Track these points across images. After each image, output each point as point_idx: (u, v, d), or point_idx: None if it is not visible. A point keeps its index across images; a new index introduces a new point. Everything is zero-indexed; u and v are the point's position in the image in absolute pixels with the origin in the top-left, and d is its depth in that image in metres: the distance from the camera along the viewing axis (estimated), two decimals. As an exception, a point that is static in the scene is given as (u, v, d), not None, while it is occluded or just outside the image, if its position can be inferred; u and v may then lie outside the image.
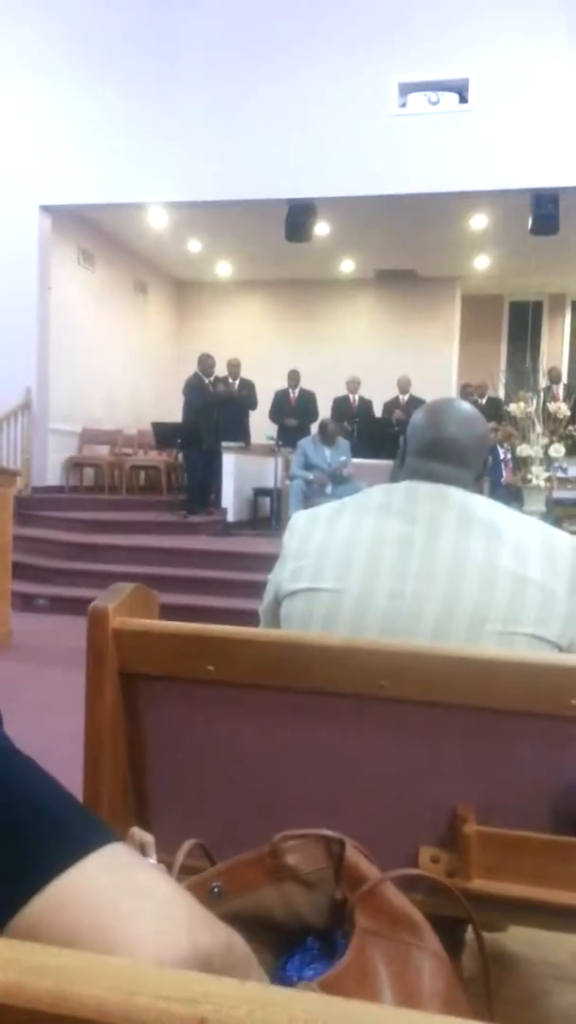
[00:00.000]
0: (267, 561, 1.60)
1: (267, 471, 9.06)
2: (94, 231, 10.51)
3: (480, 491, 1.39)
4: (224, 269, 12.37)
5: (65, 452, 10.11)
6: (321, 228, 9.52)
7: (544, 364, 10.29)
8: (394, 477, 1.44)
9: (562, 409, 6.16)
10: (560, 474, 6.38)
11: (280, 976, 0.75)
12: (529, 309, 12.31)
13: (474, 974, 1.05)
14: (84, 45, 8.71)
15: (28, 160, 8.92)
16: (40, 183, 8.91)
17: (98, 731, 1.14)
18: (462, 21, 7.96)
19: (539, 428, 6.10)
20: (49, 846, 0.48)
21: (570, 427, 6.24)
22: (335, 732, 1.11)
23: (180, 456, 9.46)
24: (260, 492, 9.53)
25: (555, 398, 6.73)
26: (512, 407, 6.21)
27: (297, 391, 10.15)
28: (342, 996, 0.45)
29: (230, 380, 9.72)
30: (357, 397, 10.43)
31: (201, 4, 8.48)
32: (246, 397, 9.72)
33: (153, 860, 0.76)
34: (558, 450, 6.08)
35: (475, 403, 8.76)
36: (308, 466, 8.16)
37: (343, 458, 8.20)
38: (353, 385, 10.42)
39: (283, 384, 10.17)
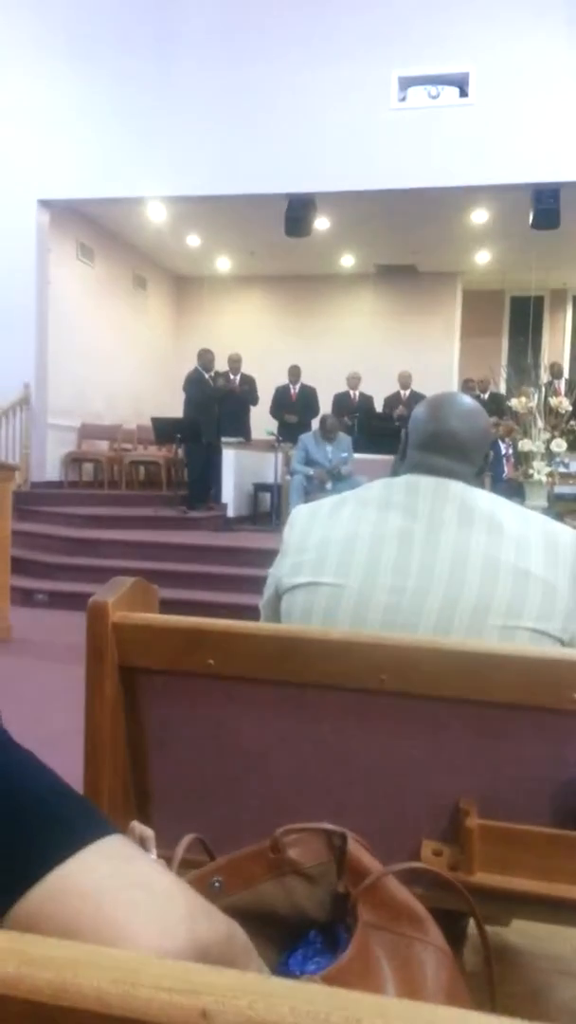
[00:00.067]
0: (267, 556, 1.59)
1: (267, 466, 9.05)
2: (93, 226, 10.49)
3: (482, 486, 1.39)
4: (223, 264, 12.36)
5: (64, 447, 10.10)
6: (321, 223, 9.50)
7: (545, 359, 10.29)
8: (395, 471, 1.44)
9: (563, 404, 6.16)
10: (562, 469, 6.38)
11: (282, 970, 0.75)
12: (530, 304, 12.31)
13: (476, 968, 1.06)
14: (82, 39, 8.68)
15: (27, 154, 8.90)
16: (39, 177, 8.89)
17: (98, 726, 1.14)
18: (462, 15, 7.94)
19: (540, 423, 6.10)
20: (49, 837, 0.48)
21: (571, 422, 6.24)
22: (336, 726, 1.11)
23: (180, 451, 9.45)
24: (260, 487, 9.53)
25: (556, 393, 6.72)
26: (514, 402, 6.21)
27: (298, 387, 10.14)
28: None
29: (231, 375, 9.71)
30: (357, 393, 10.43)
31: (200, -2, 8.46)
32: (247, 392, 9.72)
33: (153, 855, 0.76)
34: (559, 445, 6.08)
35: (477, 398, 8.75)
36: (309, 462, 8.16)
37: (344, 455, 8.19)
38: (353, 381, 10.41)
39: (282, 379, 10.16)
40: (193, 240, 11.21)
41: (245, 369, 9.86)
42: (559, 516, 5.52)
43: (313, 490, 7.78)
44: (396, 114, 8.25)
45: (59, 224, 9.55)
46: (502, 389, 9.73)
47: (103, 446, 10.74)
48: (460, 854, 1.05)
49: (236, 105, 8.38)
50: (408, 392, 10.20)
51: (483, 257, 11.36)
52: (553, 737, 1.05)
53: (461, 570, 1.23)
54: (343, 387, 10.43)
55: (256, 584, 1.62)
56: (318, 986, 0.38)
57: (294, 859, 0.79)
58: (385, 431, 8.71)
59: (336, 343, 11.78)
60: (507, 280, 12.37)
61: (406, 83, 8.26)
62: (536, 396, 6.23)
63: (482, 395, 9.88)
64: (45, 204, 9.11)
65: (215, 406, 9.25)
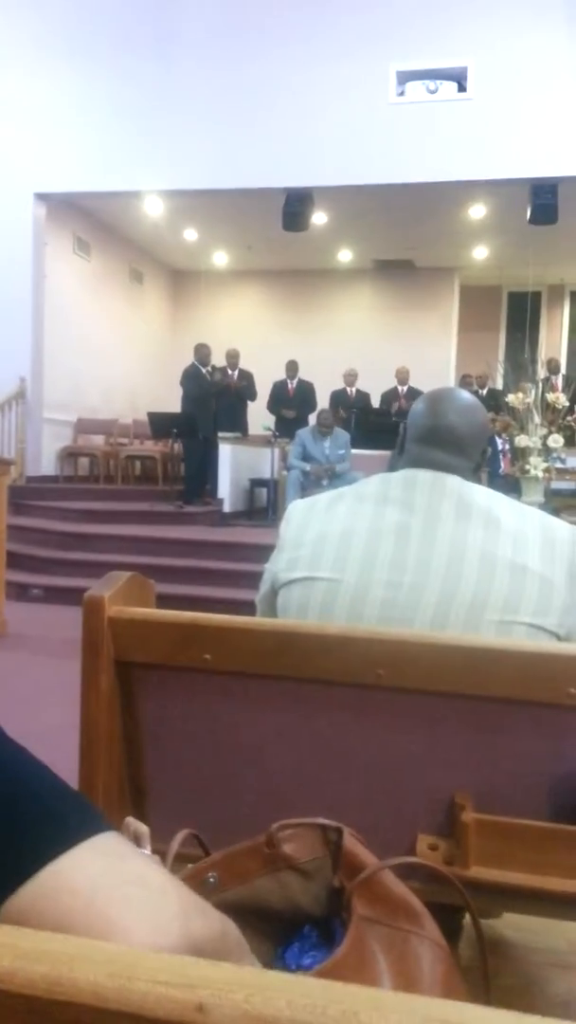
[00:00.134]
0: (263, 551, 1.59)
1: (264, 461, 9.05)
2: (90, 219, 10.47)
3: (479, 481, 1.39)
4: (220, 258, 12.33)
5: (60, 442, 10.09)
6: (318, 217, 9.49)
7: (542, 355, 10.30)
8: (393, 465, 1.44)
9: (560, 400, 6.16)
10: (558, 464, 6.39)
11: (278, 964, 0.75)
12: (528, 299, 12.31)
13: (471, 961, 1.06)
14: (81, 33, 8.65)
15: (23, 147, 8.87)
16: (35, 171, 8.86)
17: (93, 720, 1.14)
18: (461, 9, 7.92)
19: (537, 419, 6.10)
20: (42, 833, 0.48)
21: (568, 418, 6.25)
22: (332, 721, 1.11)
23: (177, 446, 9.44)
24: (256, 482, 9.53)
25: (553, 389, 6.73)
26: (511, 397, 6.21)
27: (295, 382, 10.13)
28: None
29: (229, 371, 9.70)
30: (355, 390, 10.42)
31: (198, -9, 8.43)
32: (245, 388, 9.70)
33: (147, 851, 0.75)
34: (556, 440, 6.09)
35: (475, 393, 8.74)
36: (306, 457, 8.16)
37: (341, 451, 8.19)
38: (350, 378, 10.41)
39: (279, 374, 10.15)
40: (190, 234, 11.18)
41: (242, 364, 9.85)
42: (555, 511, 5.52)
43: (310, 486, 7.78)
44: (394, 109, 8.23)
45: (56, 217, 9.52)
46: (499, 385, 9.74)
47: (99, 440, 10.73)
48: (456, 848, 1.05)
49: (234, 99, 8.36)
50: (406, 388, 10.21)
51: (481, 252, 11.36)
52: (549, 732, 1.05)
53: (458, 565, 1.23)
54: (340, 382, 10.43)
55: (252, 579, 1.62)
56: (315, 980, 0.38)
57: (289, 854, 0.79)
58: (382, 427, 8.70)
59: (333, 338, 11.77)
60: (504, 275, 12.37)
61: (404, 77, 8.24)
62: (533, 392, 6.23)
63: (480, 391, 9.88)
64: (42, 197, 9.09)
65: (212, 401, 9.25)
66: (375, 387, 10.51)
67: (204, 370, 9.27)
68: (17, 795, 0.50)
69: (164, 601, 1.22)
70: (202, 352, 9.31)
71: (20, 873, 0.46)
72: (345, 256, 11.88)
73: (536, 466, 6.05)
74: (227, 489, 8.93)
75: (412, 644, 1.06)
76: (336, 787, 1.11)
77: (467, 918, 1.04)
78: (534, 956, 1.33)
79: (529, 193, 8.12)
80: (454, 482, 1.31)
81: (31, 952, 0.38)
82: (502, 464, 6.89)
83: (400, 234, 10.57)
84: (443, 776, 1.07)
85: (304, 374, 10.16)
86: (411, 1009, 0.36)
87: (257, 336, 11.59)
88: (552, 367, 9.73)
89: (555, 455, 6.21)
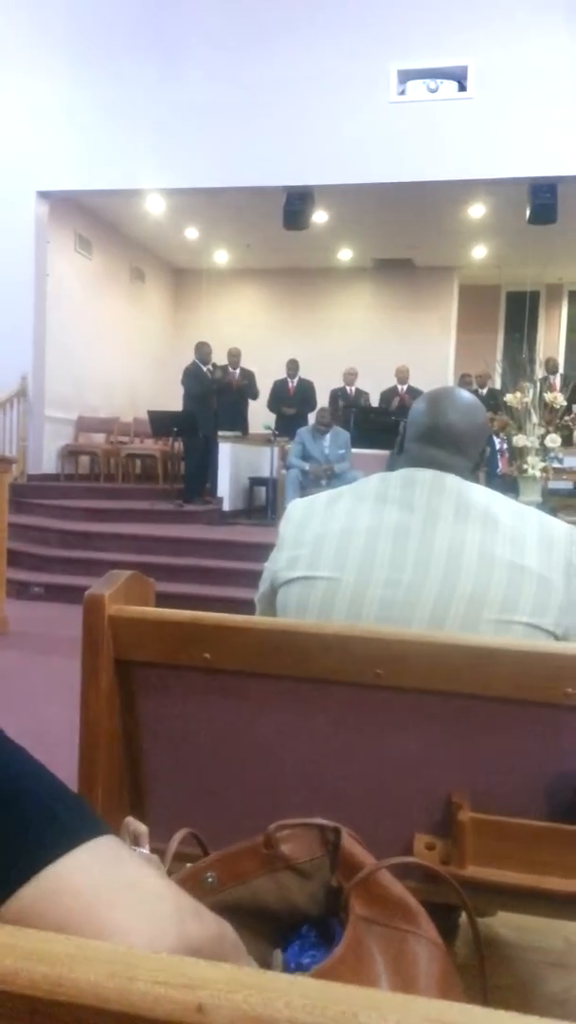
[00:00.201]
0: (263, 550, 1.60)
1: (263, 460, 9.05)
2: (91, 218, 10.46)
3: (477, 481, 1.39)
4: (221, 257, 12.33)
5: (61, 440, 10.08)
6: (319, 216, 9.49)
7: (541, 354, 10.29)
8: (392, 464, 1.44)
9: (558, 399, 6.16)
10: (556, 464, 6.38)
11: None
12: (526, 299, 12.30)
13: (467, 960, 1.06)
14: (82, 31, 8.64)
15: (25, 146, 8.86)
16: (37, 169, 8.85)
17: (93, 719, 1.14)
18: (462, 8, 7.91)
19: (535, 418, 6.10)
20: (41, 835, 0.48)
21: (566, 417, 6.25)
22: (331, 720, 1.11)
23: (177, 444, 9.44)
24: (256, 481, 9.53)
25: (552, 388, 6.73)
26: (508, 397, 6.21)
27: (296, 380, 10.13)
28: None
29: (230, 369, 9.69)
30: (354, 389, 10.43)
31: (199, -11, 8.42)
32: (246, 386, 9.70)
33: (146, 850, 0.76)
34: (554, 440, 6.09)
35: (475, 393, 8.74)
36: (305, 456, 8.16)
37: (342, 451, 8.18)
38: (350, 377, 10.41)
39: (279, 373, 10.15)
40: (191, 233, 11.18)
41: (242, 363, 9.85)
42: (553, 511, 5.52)
43: (309, 485, 7.77)
44: (395, 107, 8.23)
45: (57, 216, 9.51)
46: (497, 384, 9.73)
47: (99, 439, 10.73)
48: (452, 847, 1.05)
49: (235, 97, 8.35)
50: (405, 387, 10.21)
51: (480, 252, 11.36)
52: (546, 731, 1.05)
53: (456, 564, 1.23)
54: (340, 381, 10.43)
55: (251, 578, 1.62)
56: (314, 980, 0.39)
57: (287, 854, 0.79)
58: (381, 426, 8.70)
59: (333, 337, 11.77)
60: (503, 275, 12.36)
61: (405, 76, 8.23)
62: (531, 391, 6.23)
63: (481, 390, 9.88)
64: (44, 195, 9.08)
65: (213, 399, 9.24)
66: (374, 386, 10.51)
67: (205, 368, 9.27)
68: (17, 796, 0.50)
69: (164, 600, 1.22)
70: (203, 350, 9.31)
71: (20, 874, 0.46)
72: (345, 255, 11.87)
73: (534, 466, 6.05)
74: (227, 488, 8.93)
75: (410, 643, 1.06)
76: (334, 785, 1.11)
77: (463, 917, 1.04)
78: (530, 955, 1.33)
79: (528, 193, 8.11)
80: (453, 481, 1.31)
81: (32, 952, 0.38)
82: (500, 464, 6.89)
83: (400, 233, 10.57)
84: (440, 775, 1.08)
85: (304, 373, 10.16)
86: (410, 1010, 0.36)
87: (257, 334, 11.59)
88: (550, 367, 9.73)
89: (552, 455, 6.21)
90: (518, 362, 6.87)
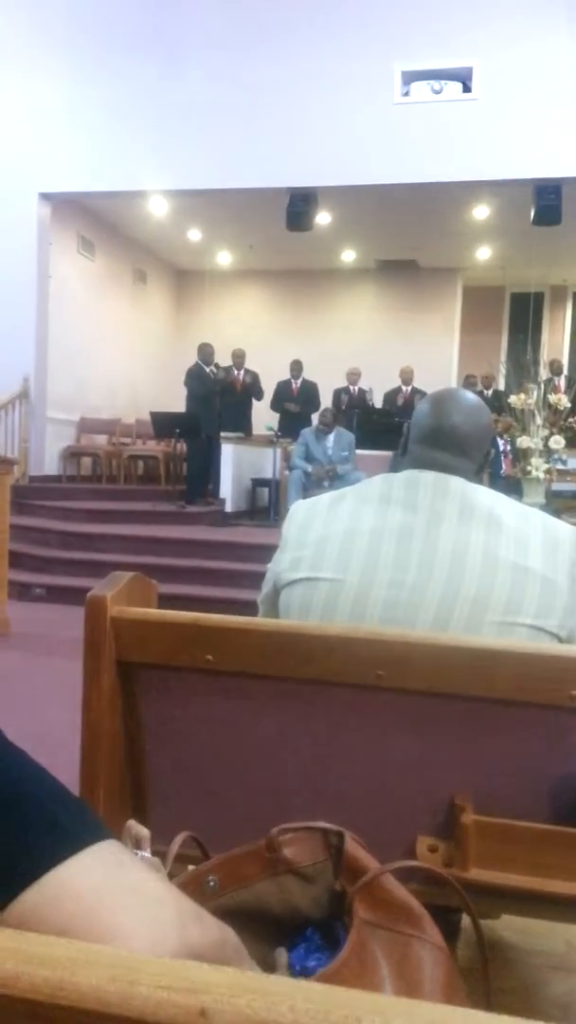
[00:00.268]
0: (265, 551, 1.59)
1: (266, 461, 9.05)
2: (94, 219, 10.47)
3: (481, 482, 1.39)
4: (224, 258, 12.34)
5: (63, 441, 10.09)
6: (322, 217, 9.49)
7: (545, 356, 10.28)
8: (395, 465, 1.44)
9: (562, 401, 6.16)
10: (560, 466, 6.38)
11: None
12: (530, 300, 12.29)
13: (469, 963, 1.06)
14: (84, 31, 8.65)
15: (28, 148, 8.87)
16: (40, 171, 8.87)
17: (95, 721, 1.14)
18: (466, 9, 7.91)
19: (539, 420, 6.09)
20: (44, 839, 0.48)
21: (570, 419, 6.24)
22: (334, 722, 1.11)
23: (179, 446, 9.43)
24: (258, 482, 9.53)
25: (556, 390, 6.72)
26: (512, 399, 6.20)
27: (299, 381, 10.14)
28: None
29: (235, 370, 9.70)
30: (357, 388, 10.43)
31: (202, -9, 8.43)
32: (251, 385, 9.71)
33: (148, 854, 0.76)
34: (558, 442, 6.08)
35: (480, 394, 8.72)
36: (309, 457, 8.16)
37: (345, 453, 8.18)
38: (353, 376, 10.41)
39: (282, 374, 10.16)
40: (194, 234, 11.18)
41: (246, 364, 9.85)
42: (556, 513, 5.52)
43: (311, 486, 7.78)
44: (399, 109, 8.23)
45: (60, 217, 9.53)
46: (501, 386, 9.72)
47: (102, 440, 10.74)
48: (455, 850, 1.05)
49: (238, 99, 8.36)
50: (410, 388, 10.20)
51: (484, 253, 11.36)
52: (550, 733, 1.05)
53: (460, 565, 1.23)
54: (343, 382, 10.43)
55: (254, 579, 1.62)
56: (317, 984, 0.38)
57: (290, 858, 0.79)
58: (384, 427, 8.70)
59: (336, 338, 11.77)
60: (507, 276, 12.35)
61: (409, 78, 8.23)
62: (535, 393, 6.23)
63: (486, 391, 9.87)
64: (46, 197, 9.09)
65: (216, 400, 9.25)
66: (378, 387, 10.50)
67: (207, 369, 9.27)
68: (18, 800, 0.50)
69: (166, 601, 1.22)
70: (205, 351, 9.32)
71: (22, 878, 0.46)
72: (349, 256, 11.87)
73: (537, 467, 6.04)
74: (229, 489, 8.93)
75: (413, 645, 1.06)
76: (336, 787, 1.11)
77: (466, 919, 1.04)
78: (533, 958, 1.32)
79: (533, 194, 8.11)
80: (457, 483, 1.31)
81: (34, 956, 0.38)
82: (503, 465, 6.89)
83: (404, 234, 10.57)
84: (443, 777, 1.07)
85: (307, 374, 10.17)
86: (413, 1014, 0.36)
87: (260, 336, 11.60)
88: (555, 368, 9.72)
89: (556, 456, 6.20)
90: (522, 363, 6.86)
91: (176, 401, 9.71)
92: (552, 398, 6.19)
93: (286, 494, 8.14)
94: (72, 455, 10.26)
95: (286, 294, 12.67)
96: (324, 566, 1.30)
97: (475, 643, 1.07)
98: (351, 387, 10.41)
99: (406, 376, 10.31)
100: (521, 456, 6.16)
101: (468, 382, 10.47)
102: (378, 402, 10.45)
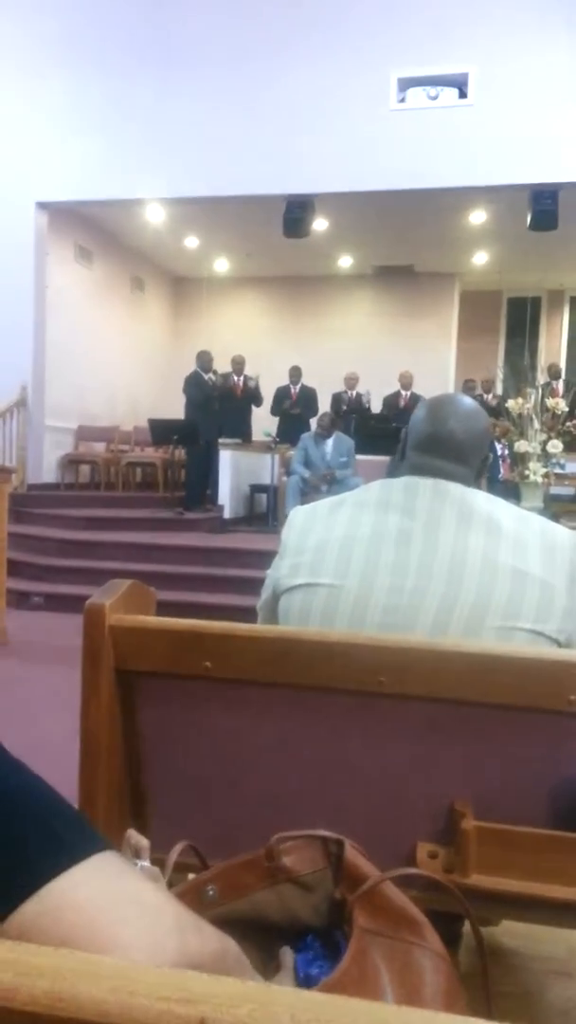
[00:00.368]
0: (264, 557, 1.59)
1: (264, 467, 9.05)
2: (91, 228, 10.48)
3: (479, 487, 1.39)
4: (222, 265, 12.36)
5: (61, 449, 10.09)
6: (319, 224, 9.50)
7: (542, 360, 10.30)
8: (392, 471, 1.44)
9: (560, 405, 6.17)
10: (558, 470, 6.39)
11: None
12: (528, 305, 12.32)
13: (470, 968, 1.05)
14: (80, 41, 8.67)
15: (25, 156, 8.88)
16: (37, 180, 8.88)
17: (94, 729, 1.13)
18: (462, 16, 7.93)
19: (537, 424, 6.10)
20: (43, 851, 0.49)
21: (568, 423, 6.25)
22: (334, 728, 1.10)
23: (178, 452, 9.44)
24: (257, 488, 9.53)
25: (554, 394, 6.73)
26: (510, 403, 6.21)
27: (298, 387, 10.16)
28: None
29: (235, 377, 9.71)
30: (355, 393, 10.44)
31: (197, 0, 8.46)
32: (253, 389, 9.72)
33: (147, 863, 0.75)
34: (556, 446, 6.09)
35: (480, 398, 8.75)
36: (307, 462, 8.16)
37: (344, 458, 8.18)
38: (351, 381, 10.42)
39: (280, 380, 10.19)
40: (191, 242, 11.20)
41: (245, 370, 9.87)
42: (555, 517, 5.53)
43: (310, 491, 7.78)
44: (395, 115, 8.25)
45: (57, 226, 9.54)
46: (499, 390, 9.74)
47: (100, 448, 10.73)
48: (456, 856, 1.04)
49: (235, 106, 8.38)
50: (409, 393, 10.21)
51: (481, 258, 11.37)
52: (550, 738, 1.05)
53: (459, 570, 1.23)
54: (341, 387, 10.45)
55: (253, 585, 1.62)
56: (318, 994, 0.38)
57: (289, 867, 0.79)
58: (382, 432, 8.70)
59: (334, 344, 11.79)
60: (505, 281, 12.38)
61: (405, 84, 8.25)
62: (532, 397, 6.24)
63: (485, 395, 9.88)
64: (43, 206, 9.10)
65: (215, 407, 9.25)
66: (376, 392, 10.51)
67: (206, 376, 9.28)
68: (18, 812, 0.50)
69: (165, 608, 1.22)
70: (204, 359, 9.33)
71: (21, 890, 0.46)
72: (346, 262, 11.89)
73: (535, 471, 6.05)
74: (227, 495, 8.93)
75: (413, 651, 1.06)
76: (336, 794, 1.11)
77: (467, 925, 1.04)
78: (534, 964, 1.32)
79: (529, 199, 8.13)
80: (455, 488, 1.31)
81: (33, 968, 0.38)
82: (501, 470, 6.90)
83: (400, 240, 10.58)
84: (443, 783, 1.07)
85: (305, 380, 10.19)
86: (414, 1023, 0.36)
87: (258, 342, 11.60)
88: (553, 373, 9.74)
89: (554, 460, 6.21)
90: (520, 368, 6.87)
91: (174, 408, 9.71)
92: (550, 402, 6.20)
93: (284, 500, 8.14)
94: (70, 463, 10.26)
95: (283, 301, 12.69)
96: (323, 572, 1.30)
97: (475, 648, 1.07)
98: (349, 392, 10.42)
99: (405, 381, 10.32)
100: (519, 460, 6.17)
101: (467, 387, 10.48)
102: (377, 407, 10.46)
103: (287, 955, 0.74)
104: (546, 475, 6.13)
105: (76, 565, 6.94)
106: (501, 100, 7.91)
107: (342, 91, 8.19)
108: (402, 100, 8.29)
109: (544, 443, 6.09)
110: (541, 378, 7.55)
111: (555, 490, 6.80)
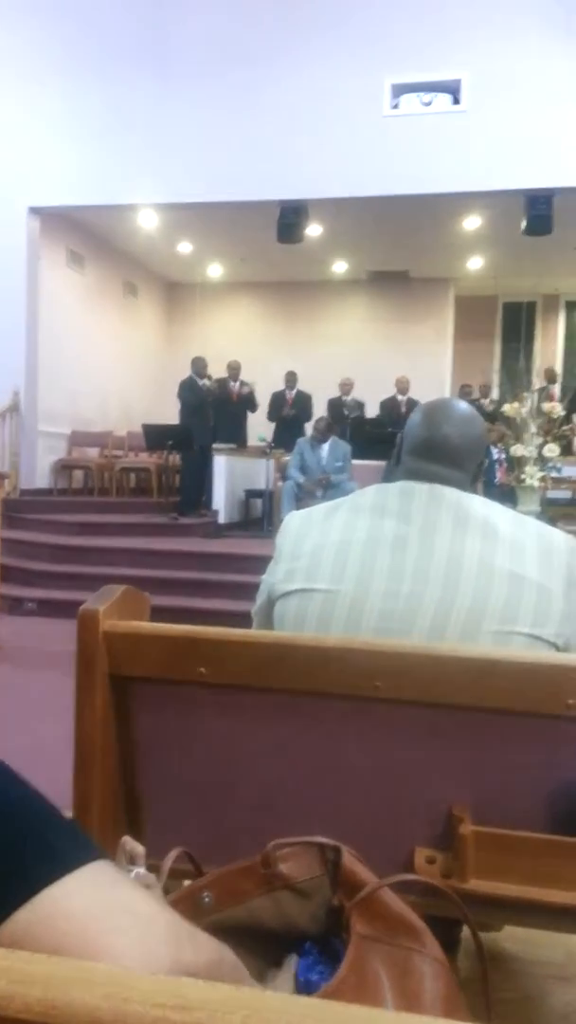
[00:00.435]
0: (259, 562, 1.59)
1: (259, 472, 9.05)
2: (84, 233, 10.49)
3: (475, 492, 1.39)
4: (215, 271, 12.37)
5: (54, 454, 10.08)
6: (313, 229, 9.52)
7: (538, 364, 10.33)
8: (388, 476, 1.44)
9: (556, 409, 6.18)
10: (554, 474, 6.40)
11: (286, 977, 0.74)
12: (523, 310, 12.35)
13: (470, 973, 1.05)
14: (74, 47, 8.69)
15: (17, 162, 8.89)
16: (29, 185, 8.88)
17: (88, 735, 1.13)
18: (455, 22, 7.97)
19: (533, 428, 6.11)
20: (36, 860, 0.48)
21: (564, 427, 6.26)
22: (330, 733, 1.10)
23: (172, 458, 9.43)
24: (252, 493, 9.52)
25: (550, 398, 6.75)
26: (506, 407, 6.23)
27: (294, 392, 10.17)
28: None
29: (231, 382, 9.72)
30: (351, 398, 10.45)
31: (191, 5, 8.46)
32: (249, 395, 9.72)
33: (143, 870, 0.75)
34: (552, 450, 6.10)
35: (477, 404, 8.76)
36: (303, 466, 8.16)
37: (339, 463, 8.18)
38: (346, 387, 10.43)
39: (275, 385, 10.20)
40: (184, 247, 11.21)
41: (240, 375, 9.87)
42: (551, 521, 5.52)
43: (304, 496, 7.77)
44: (389, 121, 8.27)
45: (49, 231, 9.54)
46: (495, 395, 9.76)
47: (93, 453, 10.73)
48: (454, 861, 1.04)
49: (228, 111, 8.39)
50: (405, 398, 10.23)
51: (476, 263, 11.41)
52: (548, 742, 1.04)
53: (456, 575, 1.23)
54: (336, 393, 10.46)
55: (248, 590, 1.61)
56: (314, 1000, 0.38)
57: (286, 874, 0.78)
58: (377, 437, 8.71)
59: (329, 349, 11.80)
60: (500, 286, 12.42)
61: (399, 90, 8.28)
62: (529, 401, 6.25)
63: (481, 400, 9.89)
64: (35, 211, 9.10)
65: (209, 412, 9.26)
66: (372, 398, 10.52)
67: (200, 382, 9.29)
68: (11, 821, 0.50)
69: (159, 613, 1.21)
70: (198, 364, 9.33)
71: (15, 898, 0.46)
72: (340, 268, 11.91)
73: (532, 475, 6.06)
74: (222, 500, 8.92)
75: (410, 655, 1.05)
76: (333, 799, 1.10)
77: (465, 930, 1.03)
78: (533, 968, 1.32)
79: (524, 204, 8.16)
80: (451, 493, 1.31)
81: (27, 975, 0.38)
82: (498, 473, 6.90)
83: (395, 245, 10.61)
84: (441, 788, 1.07)
85: (300, 386, 10.20)
86: (412, 1030, 0.35)
87: (253, 348, 11.61)
88: (549, 376, 9.77)
89: (551, 464, 6.22)
90: (516, 372, 6.89)
91: (168, 413, 9.71)
92: (546, 406, 6.21)
93: (279, 505, 8.14)
94: (63, 468, 10.25)
95: (278, 306, 12.70)
96: (319, 577, 1.30)
97: (472, 653, 1.06)
98: (344, 397, 10.43)
99: (402, 386, 10.33)
100: (516, 464, 6.18)
101: (463, 391, 10.49)
102: (373, 412, 10.47)
103: (291, 960, 0.73)
104: (543, 479, 6.14)
105: (69, 571, 6.92)
106: (494, 106, 7.94)
107: (336, 97, 8.22)
108: (396, 106, 8.32)
109: (540, 447, 6.10)
110: (537, 382, 7.57)
111: (552, 494, 6.81)
